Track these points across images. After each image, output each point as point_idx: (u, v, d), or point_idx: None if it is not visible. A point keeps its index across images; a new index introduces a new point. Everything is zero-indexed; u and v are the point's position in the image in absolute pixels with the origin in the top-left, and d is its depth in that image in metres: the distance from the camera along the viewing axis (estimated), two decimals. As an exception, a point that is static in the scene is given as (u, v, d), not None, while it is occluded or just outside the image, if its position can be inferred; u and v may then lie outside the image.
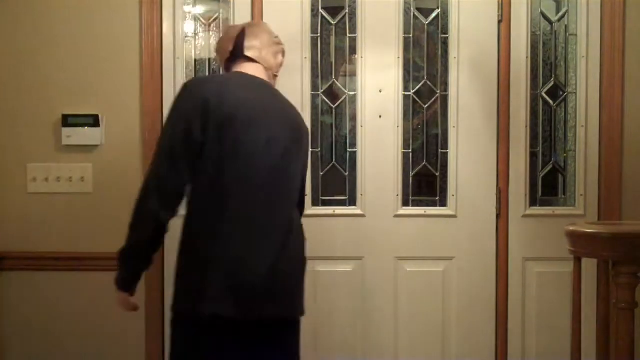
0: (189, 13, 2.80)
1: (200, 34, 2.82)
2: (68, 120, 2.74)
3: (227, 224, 1.88)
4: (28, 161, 2.77)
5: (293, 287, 2.00)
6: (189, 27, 2.80)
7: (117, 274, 2.04)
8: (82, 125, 2.74)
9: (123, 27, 2.75)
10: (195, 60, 2.81)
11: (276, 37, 2.19)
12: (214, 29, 2.81)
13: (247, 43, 2.10)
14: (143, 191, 1.93)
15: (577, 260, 1.95)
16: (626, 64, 2.74)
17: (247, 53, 2.09)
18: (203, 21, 2.81)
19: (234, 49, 2.10)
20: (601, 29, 2.76)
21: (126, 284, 2.04)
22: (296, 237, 2.02)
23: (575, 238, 1.85)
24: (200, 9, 2.82)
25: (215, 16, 2.81)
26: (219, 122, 1.88)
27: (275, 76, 2.20)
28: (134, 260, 1.99)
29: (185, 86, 1.99)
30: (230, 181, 1.89)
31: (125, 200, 2.75)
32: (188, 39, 2.80)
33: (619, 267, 1.64)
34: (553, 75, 2.81)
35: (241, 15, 2.76)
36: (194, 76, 2.80)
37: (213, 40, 2.81)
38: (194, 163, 1.89)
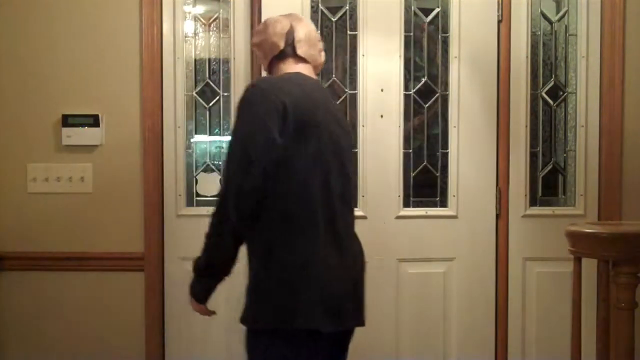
0: (189, 13, 2.80)
1: (200, 34, 2.82)
2: (68, 120, 2.74)
3: (315, 232, 1.79)
4: (28, 161, 2.77)
5: (364, 294, 1.97)
6: (189, 27, 2.80)
7: (194, 285, 1.95)
8: (82, 125, 2.74)
9: (123, 27, 2.75)
10: (195, 60, 2.81)
11: (317, 32, 2.11)
12: (214, 29, 2.81)
13: (297, 40, 2.00)
14: (220, 200, 1.79)
15: (577, 260, 1.95)
16: (626, 64, 2.74)
17: (299, 52, 1.99)
18: (203, 21, 2.81)
19: (285, 47, 1.99)
20: (601, 29, 2.76)
21: (203, 296, 1.98)
22: (359, 243, 1.98)
23: (575, 238, 1.85)
24: (200, 9, 2.82)
25: (215, 16, 2.81)
26: (296, 126, 1.77)
27: (317, 75, 2.11)
28: (212, 272, 1.91)
29: (259, 88, 1.83)
30: (314, 188, 1.80)
31: (125, 200, 2.77)
32: (188, 39, 2.80)
33: (619, 267, 1.64)
34: (553, 75, 2.81)
35: (241, 15, 2.76)
36: (185, 78, 2.80)
37: (213, 40, 2.81)
38: (273, 169, 1.75)
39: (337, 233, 1.84)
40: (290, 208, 1.78)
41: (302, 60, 1.99)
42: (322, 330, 1.76)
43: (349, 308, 1.84)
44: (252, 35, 2.10)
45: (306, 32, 2.02)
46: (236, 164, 1.75)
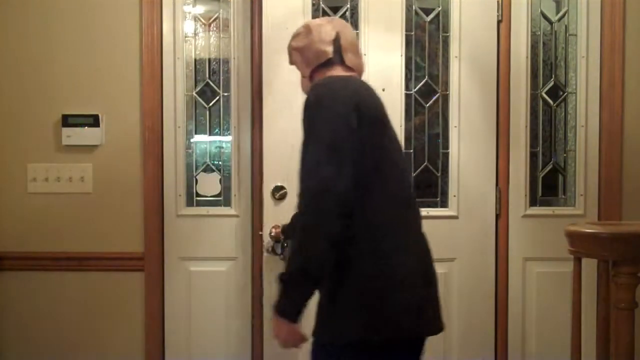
0: (189, 13, 2.80)
1: (200, 34, 2.82)
2: (68, 120, 2.74)
3: (404, 236, 1.74)
4: (28, 161, 2.77)
5: (439, 297, 1.90)
6: (189, 27, 2.80)
7: (282, 302, 1.70)
8: (82, 125, 2.74)
9: (123, 27, 2.75)
10: (195, 60, 2.81)
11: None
12: (214, 29, 2.81)
13: (344, 49, 1.92)
14: (311, 204, 1.65)
15: (577, 260, 1.95)
16: (626, 64, 2.74)
17: (348, 62, 1.91)
18: (203, 21, 2.81)
19: (333, 55, 1.90)
20: (601, 29, 2.76)
21: (296, 314, 1.70)
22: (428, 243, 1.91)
23: (575, 238, 1.85)
24: (200, 9, 2.82)
25: (215, 16, 2.81)
26: (370, 125, 1.71)
27: None
28: (307, 284, 1.68)
29: (329, 88, 1.77)
30: (395, 188, 1.75)
31: (125, 200, 2.76)
32: (188, 39, 2.80)
33: (619, 267, 1.64)
34: (553, 75, 2.81)
35: (241, 15, 2.76)
36: (185, 78, 2.80)
37: (213, 40, 2.81)
38: (361, 170, 1.68)
39: (416, 234, 1.80)
40: (377, 211, 1.70)
41: (349, 69, 1.92)
42: (413, 337, 1.71)
43: (430, 313, 1.78)
44: (292, 38, 2.02)
45: (351, 40, 1.96)
46: (327, 165, 1.64)
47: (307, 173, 1.68)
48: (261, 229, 2.61)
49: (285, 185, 2.58)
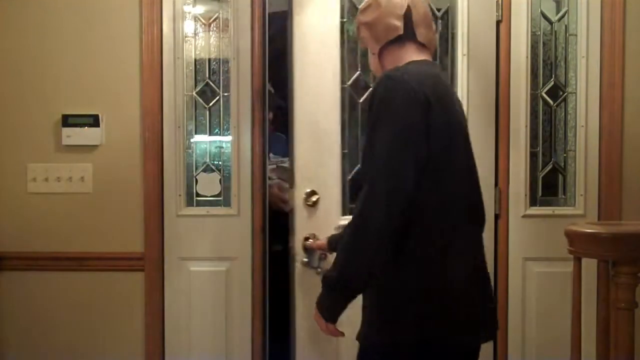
0: (189, 13, 2.80)
1: (200, 34, 2.81)
2: (68, 120, 2.74)
3: (460, 240, 1.69)
4: (28, 161, 2.77)
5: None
6: (189, 27, 2.80)
7: (323, 301, 1.71)
8: (82, 125, 2.74)
9: (123, 27, 2.75)
10: (195, 60, 2.81)
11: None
12: (214, 29, 2.81)
13: (416, 24, 1.76)
14: (371, 202, 1.59)
15: (577, 260, 1.95)
16: (626, 64, 2.74)
17: (420, 38, 1.76)
18: (203, 21, 2.81)
19: (405, 31, 1.75)
20: (601, 29, 2.75)
21: (335, 316, 1.72)
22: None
23: (575, 238, 1.85)
24: (200, 9, 2.81)
25: (215, 16, 2.81)
26: (438, 127, 1.63)
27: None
28: (354, 286, 1.66)
29: (401, 81, 1.63)
30: (454, 194, 1.70)
31: (125, 200, 2.76)
32: (188, 39, 2.80)
33: (619, 267, 1.64)
34: (553, 75, 2.81)
35: (241, 15, 2.75)
36: (185, 78, 2.80)
37: (213, 40, 2.81)
38: (421, 175, 1.61)
39: (478, 239, 1.76)
40: (436, 215, 1.65)
41: (422, 46, 1.78)
42: (473, 343, 1.68)
43: (487, 317, 1.75)
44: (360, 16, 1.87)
45: (423, 12, 1.80)
46: (386, 167, 1.59)
47: (368, 173, 1.63)
48: (288, 239, 2.58)
49: (317, 190, 2.57)
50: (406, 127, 1.60)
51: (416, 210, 1.61)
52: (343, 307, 1.69)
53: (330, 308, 1.70)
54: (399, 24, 1.76)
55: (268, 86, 3.33)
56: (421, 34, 1.77)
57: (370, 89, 1.74)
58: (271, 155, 3.24)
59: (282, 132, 3.54)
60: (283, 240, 2.78)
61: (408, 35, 1.76)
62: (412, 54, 1.76)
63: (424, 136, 1.60)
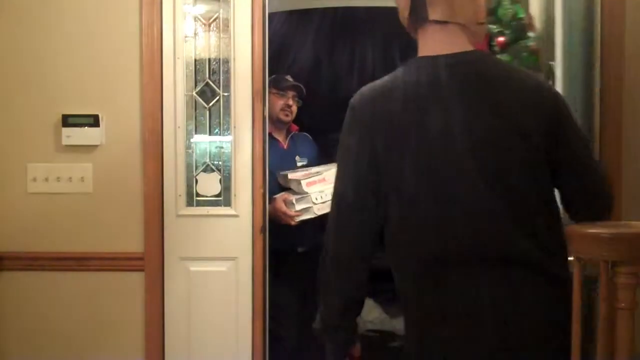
0: (189, 13, 2.80)
1: (200, 34, 2.81)
2: (68, 120, 2.74)
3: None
4: (28, 161, 2.77)
5: None
6: (189, 27, 2.80)
7: (330, 350, 1.63)
8: (82, 125, 2.74)
9: (123, 27, 2.75)
10: (195, 60, 2.81)
11: None
12: (214, 29, 2.81)
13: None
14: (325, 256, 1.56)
15: (577, 260, 1.94)
16: (625, 63, 2.73)
17: (433, 15, 1.38)
18: (203, 21, 2.81)
19: (411, 10, 1.41)
20: (601, 29, 2.75)
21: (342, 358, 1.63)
22: None
23: (575, 238, 1.85)
24: (200, 9, 2.81)
25: (215, 16, 2.81)
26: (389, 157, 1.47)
27: (481, 24, 1.45)
28: (330, 325, 1.60)
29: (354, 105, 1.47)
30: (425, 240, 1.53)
31: (125, 200, 2.76)
32: (188, 39, 2.80)
33: (619, 267, 1.64)
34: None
35: (241, 15, 2.76)
36: (185, 78, 2.79)
37: (213, 40, 2.81)
38: None
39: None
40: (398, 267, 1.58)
41: (438, 23, 1.39)
42: None
43: None
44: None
45: None
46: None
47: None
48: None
49: None
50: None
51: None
52: (341, 350, 1.62)
53: (331, 355, 1.63)
54: (406, 5, 1.44)
55: (289, 78, 3.32)
56: (436, 10, 1.38)
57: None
58: (297, 157, 3.22)
59: (307, 131, 3.49)
60: None
61: (419, 15, 1.42)
62: (423, 37, 1.45)
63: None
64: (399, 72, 1.47)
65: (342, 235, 1.48)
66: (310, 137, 3.46)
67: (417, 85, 1.40)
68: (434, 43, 1.43)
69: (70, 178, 2.76)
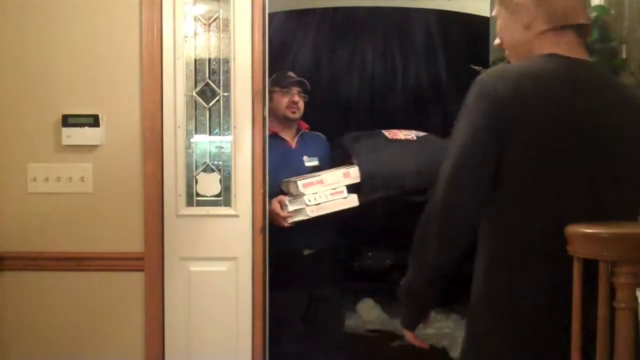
0: (189, 13, 2.80)
1: (200, 34, 2.81)
2: (68, 120, 2.74)
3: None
4: (28, 161, 2.77)
5: None
6: (189, 27, 2.80)
7: (401, 313, 1.69)
8: (82, 125, 2.74)
9: (123, 27, 2.75)
10: (195, 60, 2.81)
11: None
12: (214, 29, 2.81)
13: None
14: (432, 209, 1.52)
15: (577, 260, 1.94)
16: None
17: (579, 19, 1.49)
18: (203, 21, 2.81)
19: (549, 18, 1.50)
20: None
21: (413, 323, 1.69)
22: None
23: (575, 238, 1.85)
24: (200, 9, 2.81)
25: (215, 16, 2.81)
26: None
27: (586, 26, 1.53)
28: (416, 292, 1.61)
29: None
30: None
31: (125, 200, 2.76)
32: (188, 39, 2.80)
33: (619, 267, 1.64)
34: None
35: (241, 15, 2.76)
36: (185, 78, 2.78)
37: (213, 40, 2.81)
38: None
39: None
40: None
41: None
42: None
43: None
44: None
45: None
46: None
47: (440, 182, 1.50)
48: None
49: None
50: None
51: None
52: (416, 315, 1.67)
53: (406, 317, 1.68)
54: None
55: (291, 74, 3.25)
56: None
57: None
58: (305, 158, 3.14)
59: (319, 129, 3.34)
60: None
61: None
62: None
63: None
64: (536, 63, 1.49)
65: (451, 207, 1.48)
66: (322, 136, 3.31)
67: (563, 78, 1.46)
68: (558, 46, 1.50)
69: (70, 178, 2.76)
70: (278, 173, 2.94)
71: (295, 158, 3.11)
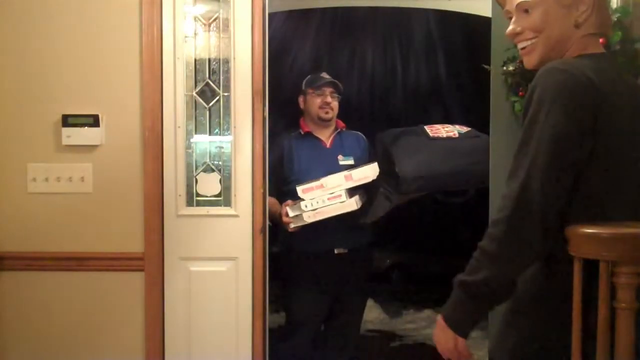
0: (189, 13, 2.80)
1: (200, 34, 2.81)
2: (68, 120, 2.74)
3: None
4: (28, 161, 2.77)
5: None
6: (189, 27, 2.80)
7: (457, 313, 1.52)
8: (82, 125, 2.74)
9: (123, 27, 2.75)
10: (195, 60, 2.81)
11: None
12: (214, 29, 2.81)
13: None
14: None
15: (577, 260, 1.94)
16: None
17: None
18: (203, 21, 2.81)
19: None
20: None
21: (469, 329, 1.53)
22: None
23: (575, 238, 1.85)
24: (200, 9, 2.81)
25: (215, 16, 2.81)
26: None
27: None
28: (492, 293, 1.47)
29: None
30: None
31: (125, 200, 2.76)
32: (188, 39, 2.80)
33: (619, 267, 1.64)
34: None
35: (241, 15, 2.76)
36: (185, 78, 2.78)
37: (213, 40, 2.81)
38: None
39: None
40: None
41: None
42: None
43: None
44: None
45: None
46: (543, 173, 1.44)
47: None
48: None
49: None
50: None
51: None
52: (477, 317, 1.52)
53: (464, 322, 1.52)
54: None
55: (325, 75, 3.25)
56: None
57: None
58: (340, 157, 3.15)
59: (357, 128, 3.35)
60: None
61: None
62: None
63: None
64: (586, 60, 1.49)
65: (551, 202, 1.42)
66: (361, 135, 3.31)
67: (618, 73, 1.54)
68: (598, 49, 1.56)
69: (70, 178, 2.76)
70: (310, 172, 2.96)
71: (329, 157, 3.13)
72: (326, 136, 3.21)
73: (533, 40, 1.55)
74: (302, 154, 3.09)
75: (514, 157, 1.46)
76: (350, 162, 3.12)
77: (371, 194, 2.96)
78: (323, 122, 3.18)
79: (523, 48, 1.58)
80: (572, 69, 1.42)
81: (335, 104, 3.18)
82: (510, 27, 1.59)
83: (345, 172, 2.89)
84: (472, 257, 1.49)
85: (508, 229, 1.42)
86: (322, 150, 3.17)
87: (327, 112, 3.16)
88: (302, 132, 3.18)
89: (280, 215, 2.95)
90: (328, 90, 3.16)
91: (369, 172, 2.89)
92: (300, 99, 3.23)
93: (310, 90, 3.17)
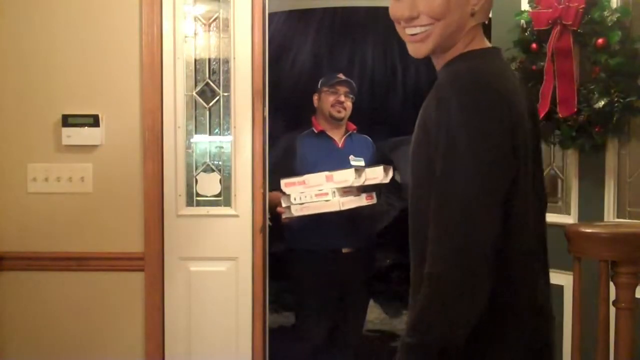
0: (189, 13, 2.80)
1: (200, 34, 2.81)
2: (68, 120, 2.74)
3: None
4: (28, 161, 2.77)
5: None
6: (189, 27, 2.80)
7: None
8: (82, 125, 2.74)
9: (123, 27, 2.75)
10: (195, 60, 2.81)
11: None
12: (214, 29, 2.81)
13: None
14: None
15: (577, 260, 1.95)
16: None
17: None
18: (203, 21, 2.81)
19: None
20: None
21: None
22: None
23: (575, 238, 1.85)
24: (200, 9, 2.81)
25: (215, 16, 2.81)
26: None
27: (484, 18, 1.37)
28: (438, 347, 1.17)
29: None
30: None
31: (125, 200, 2.76)
32: (188, 39, 2.80)
33: (619, 267, 1.64)
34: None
35: (241, 15, 2.76)
36: (185, 78, 2.79)
37: (213, 40, 2.81)
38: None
39: None
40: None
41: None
42: None
43: None
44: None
45: None
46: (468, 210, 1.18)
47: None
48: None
49: None
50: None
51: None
52: None
53: None
54: None
55: (340, 75, 3.24)
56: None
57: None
58: (351, 157, 3.15)
59: (366, 132, 3.38)
60: None
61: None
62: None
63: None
64: (486, 64, 1.34)
65: (473, 230, 1.17)
66: (369, 139, 3.35)
67: (512, 72, 1.40)
68: (484, 42, 1.38)
69: (70, 178, 2.76)
70: (321, 169, 2.96)
71: (341, 157, 3.14)
72: (338, 137, 3.23)
73: (428, 28, 1.32)
74: (314, 152, 3.11)
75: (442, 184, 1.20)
76: (361, 162, 3.13)
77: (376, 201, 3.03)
78: (335, 121, 3.20)
79: (413, 34, 1.35)
80: (483, 82, 1.24)
81: (348, 104, 3.20)
82: (401, 9, 1.33)
83: (327, 173, 2.90)
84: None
85: (460, 272, 1.16)
86: (335, 150, 3.19)
87: (339, 111, 3.17)
88: (316, 131, 3.19)
89: (277, 205, 2.97)
90: (342, 89, 3.19)
91: (376, 173, 2.92)
92: (315, 97, 3.24)
93: (324, 89, 3.20)
